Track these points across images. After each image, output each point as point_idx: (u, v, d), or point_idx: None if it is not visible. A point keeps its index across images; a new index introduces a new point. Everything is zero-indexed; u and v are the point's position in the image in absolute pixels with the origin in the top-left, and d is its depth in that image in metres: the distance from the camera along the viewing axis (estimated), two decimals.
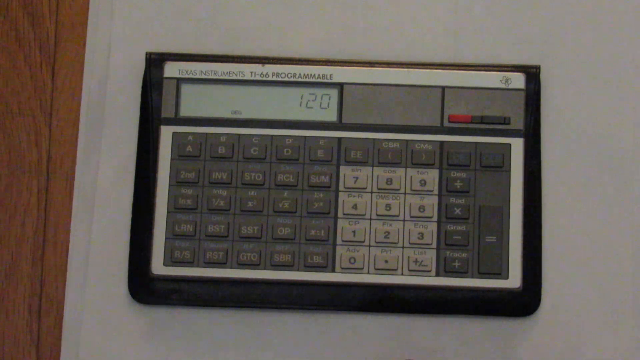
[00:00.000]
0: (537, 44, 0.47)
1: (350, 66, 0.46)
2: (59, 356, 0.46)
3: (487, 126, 0.46)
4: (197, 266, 0.45)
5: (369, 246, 0.45)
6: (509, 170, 0.45)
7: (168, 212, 0.46)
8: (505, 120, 0.46)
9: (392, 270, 0.45)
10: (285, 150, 0.46)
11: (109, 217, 0.47)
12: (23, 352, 0.46)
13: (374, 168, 0.46)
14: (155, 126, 0.46)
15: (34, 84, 0.48)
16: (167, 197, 0.46)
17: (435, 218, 0.45)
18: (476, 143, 0.46)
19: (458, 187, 0.45)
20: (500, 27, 0.48)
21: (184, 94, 0.47)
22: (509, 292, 0.45)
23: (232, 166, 0.46)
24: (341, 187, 0.46)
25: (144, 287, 0.46)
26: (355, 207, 0.45)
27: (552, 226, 0.46)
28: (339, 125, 0.46)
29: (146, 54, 0.47)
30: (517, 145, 0.45)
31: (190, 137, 0.46)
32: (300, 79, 0.46)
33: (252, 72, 0.47)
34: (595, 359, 0.45)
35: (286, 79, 0.46)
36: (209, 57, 0.47)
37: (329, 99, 0.46)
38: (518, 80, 0.46)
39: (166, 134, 0.46)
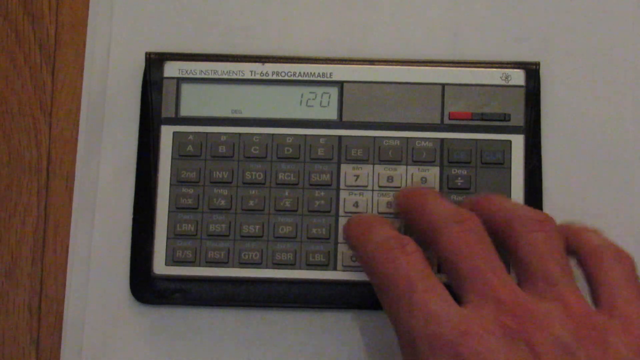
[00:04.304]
0: (537, 41, 0.48)
1: (350, 64, 0.46)
2: (59, 356, 0.46)
3: (488, 123, 0.46)
4: (199, 265, 0.45)
5: None
6: (510, 167, 0.45)
7: (169, 211, 0.46)
8: (506, 117, 0.46)
9: None
10: (285, 149, 0.46)
11: (109, 217, 0.47)
12: (23, 352, 0.46)
13: (375, 166, 0.46)
14: (156, 126, 0.46)
15: (34, 84, 0.48)
16: (168, 196, 0.46)
17: None
18: (476, 140, 0.46)
19: (459, 184, 0.45)
20: (499, 24, 0.48)
21: (184, 93, 0.47)
22: None
23: (232, 165, 0.46)
24: (342, 185, 0.46)
25: (146, 287, 0.46)
26: (356, 205, 0.45)
27: None
28: (339, 124, 0.46)
29: (146, 53, 0.47)
30: (518, 142, 0.46)
31: (190, 137, 0.46)
32: (300, 78, 0.46)
33: (252, 71, 0.47)
34: None
35: (286, 77, 0.46)
36: (208, 56, 0.47)
37: (329, 97, 0.46)
38: (518, 77, 0.46)
39: (166, 133, 0.46)
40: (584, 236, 0.40)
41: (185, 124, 0.46)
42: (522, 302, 0.37)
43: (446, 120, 0.46)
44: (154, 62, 0.47)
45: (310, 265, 0.45)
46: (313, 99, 0.46)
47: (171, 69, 0.47)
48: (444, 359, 0.35)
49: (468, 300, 0.37)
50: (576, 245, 0.40)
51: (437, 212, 0.39)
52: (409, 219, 0.42)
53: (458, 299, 0.38)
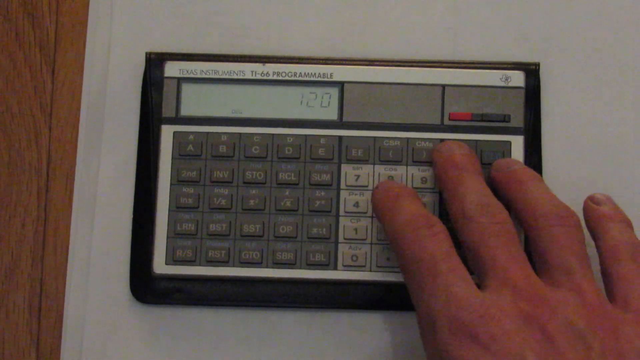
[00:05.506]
0: (537, 42, 0.48)
1: (351, 65, 0.47)
2: (59, 356, 0.46)
3: (488, 124, 0.46)
4: (199, 265, 0.45)
5: (371, 244, 0.45)
6: None
7: (169, 211, 0.46)
8: (506, 118, 0.46)
9: (394, 268, 0.45)
10: (286, 149, 0.46)
11: (109, 216, 0.47)
12: (23, 352, 0.46)
13: (375, 166, 0.46)
14: (156, 125, 0.46)
15: (34, 84, 0.48)
16: (168, 196, 0.46)
17: (436, 215, 0.45)
18: (476, 141, 0.46)
19: None
20: (499, 24, 0.48)
21: (184, 93, 0.47)
22: None
23: (233, 165, 0.46)
24: (342, 185, 0.46)
25: (146, 287, 0.46)
26: (356, 205, 0.46)
27: None
28: (339, 124, 0.46)
29: (146, 53, 0.47)
30: (518, 143, 0.46)
31: (191, 137, 0.46)
32: (300, 78, 0.46)
33: (252, 72, 0.47)
34: None
35: (287, 77, 0.47)
36: (209, 56, 0.47)
37: (330, 98, 0.46)
38: (518, 78, 0.46)
39: (167, 133, 0.46)
40: (605, 228, 0.42)
41: (185, 124, 0.46)
42: (539, 289, 0.38)
43: (446, 121, 0.46)
44: (154, 62, 0.47)
45: (311, 265, 0.45)
46: (313, 99, 0.47)
47: (172, 69, 0.47)
48: (462, 341, 0.37)
49: (487, 285, 0.39)
50: (598, 237, 0.42)
51: (470, 199, 0.41)
52: (442, 191, 0.43)
53: (478, 283, 0.39)
